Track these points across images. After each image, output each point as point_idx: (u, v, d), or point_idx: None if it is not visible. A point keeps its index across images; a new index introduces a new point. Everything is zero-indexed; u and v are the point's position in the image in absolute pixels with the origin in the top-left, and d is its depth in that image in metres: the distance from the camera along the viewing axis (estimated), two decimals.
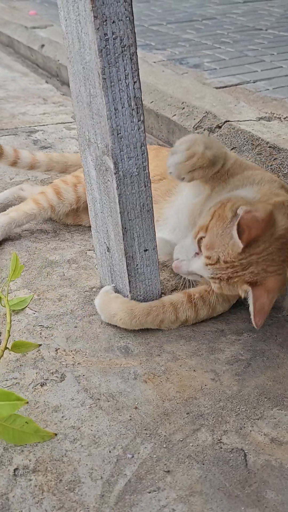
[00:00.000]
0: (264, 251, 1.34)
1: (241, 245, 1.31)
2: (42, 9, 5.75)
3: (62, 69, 4.03)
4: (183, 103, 2.84)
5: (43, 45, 4.42)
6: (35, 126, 3.05)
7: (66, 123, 3.11)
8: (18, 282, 1.73)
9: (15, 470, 1.16)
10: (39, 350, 1.46)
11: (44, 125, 3.07)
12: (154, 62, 3.58)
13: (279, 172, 2.18)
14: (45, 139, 2.87)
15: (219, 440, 1.22)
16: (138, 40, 3.92)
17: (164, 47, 3.98)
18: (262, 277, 1.36)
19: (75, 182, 1.97)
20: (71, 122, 3.11)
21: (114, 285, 1.58)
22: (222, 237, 1.36)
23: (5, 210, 2.01)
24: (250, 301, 1.37)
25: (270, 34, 4.28)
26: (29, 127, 3.04)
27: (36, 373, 1.40)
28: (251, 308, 1.36)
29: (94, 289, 1.70)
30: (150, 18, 5.02)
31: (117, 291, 1.58)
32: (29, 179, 2.41)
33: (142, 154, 1.34)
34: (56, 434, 1.22)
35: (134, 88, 1.27)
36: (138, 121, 1.30)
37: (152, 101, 3.00)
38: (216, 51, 3.83)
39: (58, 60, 4.09)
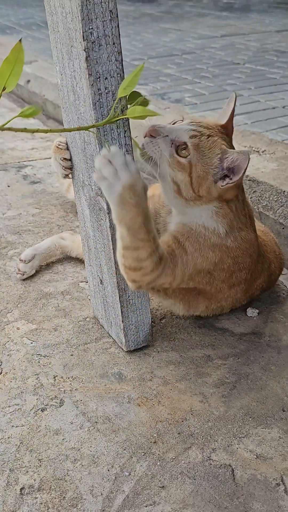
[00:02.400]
0: None
1: None
2: (26, 44, 5.91)
3: (48, 103, 4.17)
4: None
5: (28, 81, 4.57)
6: (24, 161, 3.18)
7: None
8: (16, 313, 1.84)
9: (21, 489, 1.25)
10: (38, 377, 1.56)
11: (32, 160, 3.20)
12: None
13: (258, 204, 2.32)
14: (34, 174, 2.99)
15: (208, 457, 1.33)
16: None
17: (146, 82, 4.15)
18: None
19: None
20: None
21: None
22: None
23: (45, 261, 2.11)
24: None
25: (248, 68, 4.47)
26: (18, 162, 3.17)
27: (37, 399, 1.50)
28: None
29: (87, 319, 1.81)
30: (132, 53, 5.20)
31: (109, 321, 1.69)
32: (20, 213, 2.52)
33: None
34: None
35: (125, 136, 1.40)
36: None
37: (137, 136, 3.13)
38: (196, 85, 4.00)
39: (44, 95, 4.23)
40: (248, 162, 1.43)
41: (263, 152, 2.80)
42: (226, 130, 1.59)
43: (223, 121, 1.60)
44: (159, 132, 1.48)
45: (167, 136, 1.48)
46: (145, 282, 1.44)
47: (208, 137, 1.50)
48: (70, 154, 1.58)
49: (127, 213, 1.28)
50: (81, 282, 2.01)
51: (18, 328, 1.77)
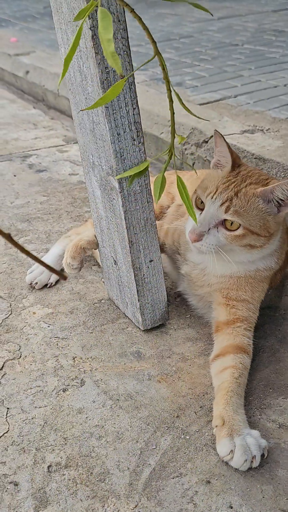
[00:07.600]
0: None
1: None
2: (22, 35, 5.89)
3: (48, 93, 4.17)
4: (169, 121, 2.98)
5: (27, 72, 4.56)
6: (29, 151, 3.18)
7: (58, 146, 3.24)
8: (31, 298, 1.85)
9: (48, 467, 1.27)
10: (57, 359, 1.58)
11: (37, 149, 3.20)
12: (138, 83, 3.72)
13: None
14: (40, 163, 2.99)
15: None
16: None
17: (146, 67, 4.13)
18: None
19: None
20: (62, 145, 3.24)
21: None
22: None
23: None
24: None
25: (247, 49, 4.45)
26: (23, 152, 3.17)
27: (58, 380, 1.51)
28: None
29: (102, 301, 1.82)
30: (130, 40, 5.17)
31: (125, 302, 1.70)
32: (28, 202, 2.53)
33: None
34: None
35: (134, 114, 1.40)
36: (139, 143, 1.43)
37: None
38: (196, 68, 3.98)
39: (44, 86, 4.22)
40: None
41: (267, 130, 2.79)
42: (236, 164, 1.53)
43: (228, 161, 1.53)
44: (200, 233, 1.45)
45: (208, 229, 1.46)
46: None
47: (236, 196, 1.44)
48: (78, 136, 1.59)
49: None
50: (94, 265, 2.02)
51: (34, 313, 1.78)
